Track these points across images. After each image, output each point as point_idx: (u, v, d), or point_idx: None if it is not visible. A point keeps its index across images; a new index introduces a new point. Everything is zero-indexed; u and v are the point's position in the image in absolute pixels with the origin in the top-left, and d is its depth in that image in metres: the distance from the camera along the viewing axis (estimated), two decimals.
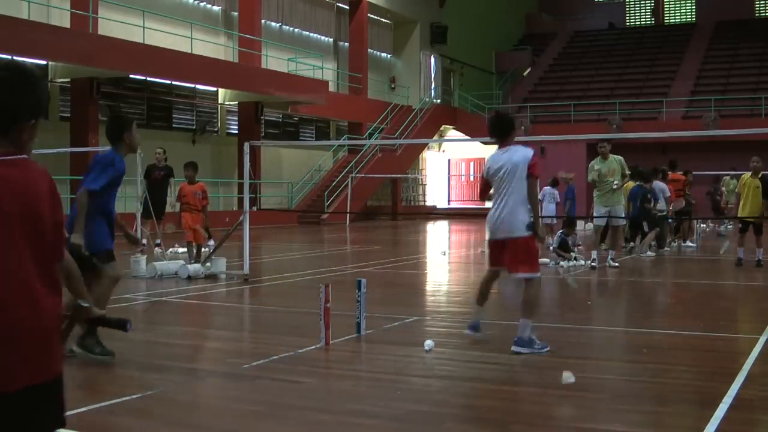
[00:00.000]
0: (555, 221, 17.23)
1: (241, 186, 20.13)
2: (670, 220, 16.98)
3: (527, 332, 6.31)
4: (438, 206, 39.04)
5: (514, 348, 6.26)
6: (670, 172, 17.94)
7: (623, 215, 13.70)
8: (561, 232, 14.15)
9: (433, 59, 39.63)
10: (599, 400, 4.98)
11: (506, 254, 6.46)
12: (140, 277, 11.46)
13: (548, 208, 16.97)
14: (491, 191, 6.65)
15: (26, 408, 2.37)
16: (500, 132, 6.65)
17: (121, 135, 6.22)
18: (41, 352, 2.37)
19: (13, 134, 2.40)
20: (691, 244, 18.11)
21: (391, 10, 36.57)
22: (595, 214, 13.30)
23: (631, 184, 16.50)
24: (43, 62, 20.23)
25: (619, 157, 13.25)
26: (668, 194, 16.71)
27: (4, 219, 2.36)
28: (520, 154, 6.47)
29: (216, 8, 28.49)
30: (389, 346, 6.74)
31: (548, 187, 17.33)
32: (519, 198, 6.38)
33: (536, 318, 6.61)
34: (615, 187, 12.95)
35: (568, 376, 5.11)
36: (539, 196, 17.29)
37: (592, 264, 12.95)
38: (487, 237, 6.78)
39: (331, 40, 34.59)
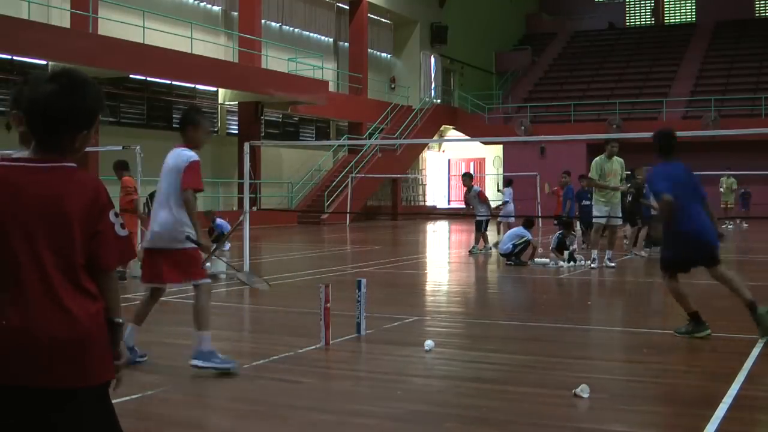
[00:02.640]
0: (513, 220, 17.82)
1: (241, 186, 20.14)
2: None
3: (206, 344, 5.71)
4: (438, 206, 39.02)
5: (192, 361, 5.67)
6: None
7: (621, 215, 13.69)
8: (559, 233, 14.15)
9: (433, 59, 39.62)
10: (599, 400, 4.97)
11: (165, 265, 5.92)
12: (140, 276, 11.43)
13: (507, 208, 17.85)
14: None
15: (46, 410, 2.36)
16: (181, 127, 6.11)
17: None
18: (64, 357, 2.34)
19: (64, 143, 2.44)
20: None
21: (391, 10, 36.57)
22: (595, 213, 13.29)
23: None
24: (43, 62, 20.22)
25: (621, 160, 13.29)
26: None
27: (24, 226, 2.37)
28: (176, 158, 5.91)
29: (216, 8, 28.50)
30: (389, 346, 6.74)
31: (508, 189, 18.29)
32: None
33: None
34: (615, 187, 13.00)
35: (582, 389, 5.03)
36: (506, 198, 18.00)
37: (592, 265, 12.95)
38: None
39: (331, 40, 34.60)
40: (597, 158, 13.28)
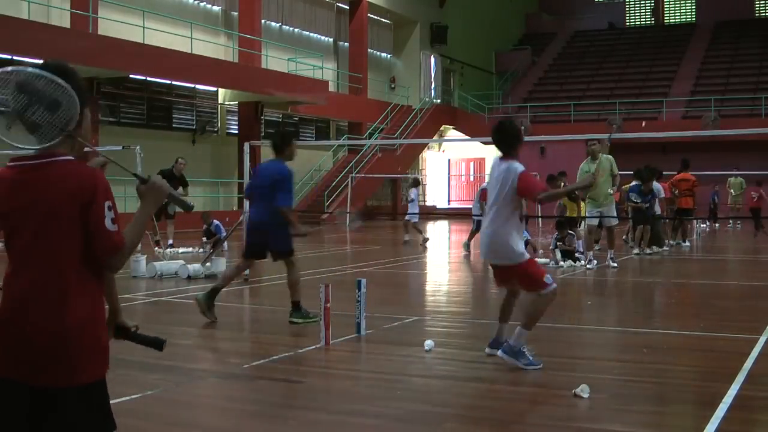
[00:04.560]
0: (417, 219, 19.33)
1: (241, 186, 20.14)
2: (665, 220, 16.98)
3: (520, 342, 5.73)
4: (438, 206, 39.02)
5: (498, 352, 5.79)
6: (682, 172, 17.96)
7: (615, 215, 13.66)
8: (556, 235, 14.07)
9: (433, 59, 39.63)
10: (599, 400, 4.97)
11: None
12: (140, 276, 11.45)
13: (412, 208, 18.91)
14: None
15: (33, 406, 2.38)
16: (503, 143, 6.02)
17: (286, 146, 7.92)
18: (47, 354, 2.36)
19: (74, 135, 2.47)
20: (683, 243, 18.15)
21: (391, 10, 36.57)
22: (587, 215, 13.27)
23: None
24: (43, 62, 20.22)
25: (610, 157, 13.15)
26: (662, 195, 16.73)
27: (18, 223, 2.39)
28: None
29: (216, 8, 28.50)
30: (389, 346, 6.74)
31: (415, 189, 19.31)
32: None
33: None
34: (610, 192, 12.97)
35: (582, 389, 5.03)
36: (411, 196, 18.78)
37: (587, 266, 12.92)
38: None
39: (331, 40, 34.60)
40: (582, 163, 13.19)
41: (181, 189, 15.50)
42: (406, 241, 18.77)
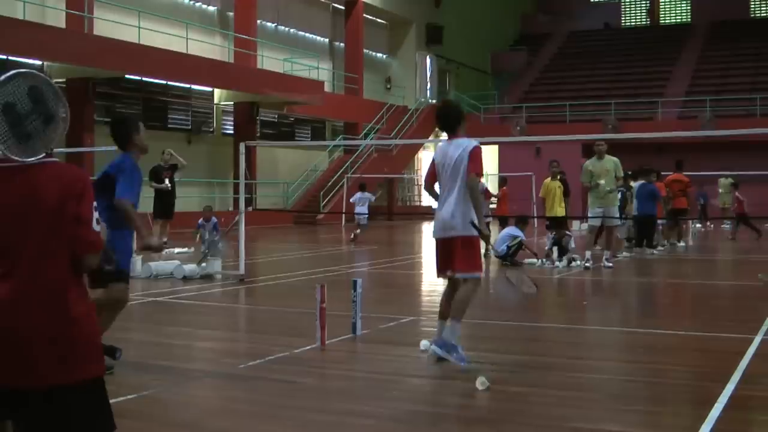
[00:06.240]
0: (365, 220, 19.73)
1: (236, 186, 20.15)
2: (659, 222, 16.99)
3: (453, 336, 5.82)
4: (434, 207, 38.99)
5: (431, 347, 5.93)
6: (675, 173, 17.98)
7: (618, 216, 13.72)
8: (553, 235, 14.07)
9: (428, 59, 39.63)
10: (596, 400, 4.98)
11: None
12: (136, 277, 11.42)
13: (361, 209, 19.57)
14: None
15: (30, 407, 2.37)
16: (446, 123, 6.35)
17: (130, 137, 5.71)
18: (47, 355, 2.35)
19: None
20: (679, 243, 18.18)
21: (387, 11, 36.58)
22: (589, 215, 13.33)
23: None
24: (39, 62, 20.18)
25: (615, 159, 13.25)
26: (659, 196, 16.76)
27: (9, 224, 2.39)
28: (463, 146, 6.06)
29: (211, 8, 28.48)
30: (385, 347, 6.74)
31: (359, 193, 19.85)
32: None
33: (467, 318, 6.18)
34: (607, 190, 12.98)
35: (481, 383, 5.11)
36: (352, 199, 19.54)
37: (586, 264, 12.94)
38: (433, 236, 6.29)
39: (327, 40, 34.60)
40: (587, 161, 13.46)
41: (177, 174, 16.47)
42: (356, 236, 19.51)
